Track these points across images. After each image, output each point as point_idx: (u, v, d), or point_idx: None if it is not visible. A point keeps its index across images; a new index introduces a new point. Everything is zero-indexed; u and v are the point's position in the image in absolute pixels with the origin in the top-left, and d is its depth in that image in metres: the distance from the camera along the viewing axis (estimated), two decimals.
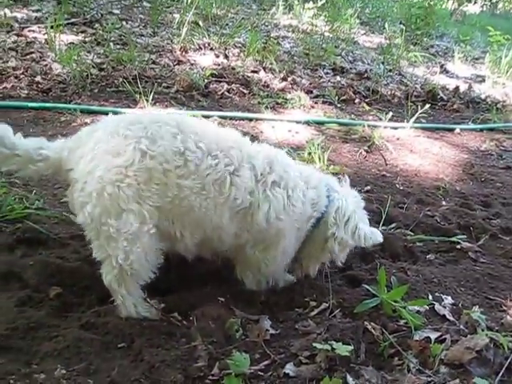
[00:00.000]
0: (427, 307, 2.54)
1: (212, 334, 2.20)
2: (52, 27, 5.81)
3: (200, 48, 6.23)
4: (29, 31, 6.27)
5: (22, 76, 4.92)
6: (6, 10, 6.28)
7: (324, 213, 2.52)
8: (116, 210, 2.10)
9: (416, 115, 4.94)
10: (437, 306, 2.56)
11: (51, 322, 2.21)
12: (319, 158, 3.86)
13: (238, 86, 5.29)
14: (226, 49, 6.26)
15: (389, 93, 6.05)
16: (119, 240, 2.13)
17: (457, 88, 6.57)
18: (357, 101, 5.59)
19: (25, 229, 2.68)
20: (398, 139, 4.69)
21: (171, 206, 2.16)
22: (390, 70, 6.90)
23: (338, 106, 5.36)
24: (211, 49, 6.25)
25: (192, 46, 6.19)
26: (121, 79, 5.01)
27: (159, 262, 2.26)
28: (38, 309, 2.31)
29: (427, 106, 5.39)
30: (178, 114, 2.26)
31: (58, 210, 2.91)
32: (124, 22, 6.85)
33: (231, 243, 2.35)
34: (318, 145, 3.98)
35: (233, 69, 5.66)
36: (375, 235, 2.55)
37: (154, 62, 5.64)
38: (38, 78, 4.92)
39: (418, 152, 4.49)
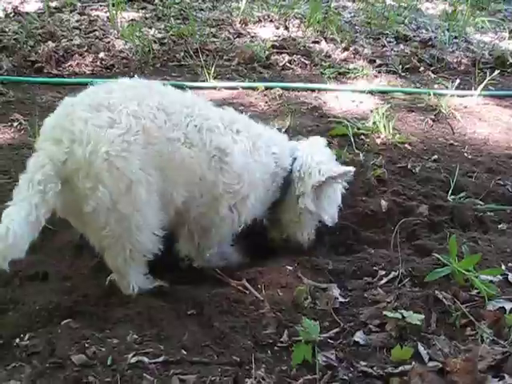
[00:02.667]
0: (500, 277, 2.46)
1: (280, 302, 2.20)
2: (113, 5, 5.88)
3: (260, 20, 6.17)
4: (91, 10, 6.37)
5: (85, 53, 5.00)
6: None
7: (290, 172, 2.57)
8: (126, 184, 2.05)
9: (484, 82, 4.74)
10: (510, 276, 2.48)
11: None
12: (384, 127, 3.78)
13: (299, 57, 5.21)
14: (286, 20, 6.17)
15: (455, 60, 5.83)
16: (131, 216, 2.10)
17: None
18: (421, 69, 5.41)
19: None
20: (465, 107, 4.52)
21: (168, 163, 2.16)
22: (456, 37, 6.64)
23: (403, 75, 5.20)
24: (271, 21, 6.18)
25: (252, 19, 6.14)
26: (182, 53, 5.03)
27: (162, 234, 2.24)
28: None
29: (496, 72, 5.16)
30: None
31: None
32: None
33: (207, 197, 2.31)
34: (383, 114, 3.89)
35: (293, 40, 5.58)
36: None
37: (214, 36, 5.63)
38: (102, 55, 4.99)
39: (487, 120, 4.32)
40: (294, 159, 2.61)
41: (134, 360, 1.88)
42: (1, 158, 3.23)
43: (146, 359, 1.89)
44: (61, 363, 1.86)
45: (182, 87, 4.37)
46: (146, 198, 2.10)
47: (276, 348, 2.02)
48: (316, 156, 2.62)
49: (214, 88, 4.42)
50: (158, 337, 2.01)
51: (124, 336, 1.99)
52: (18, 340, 1.97)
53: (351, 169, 2.61)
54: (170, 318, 2.10)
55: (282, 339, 2.05)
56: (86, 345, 1.92)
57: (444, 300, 2.28)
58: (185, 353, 1.94)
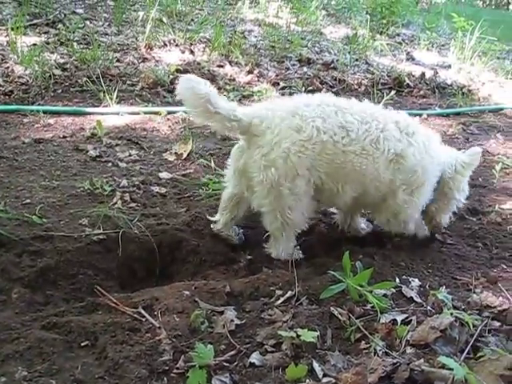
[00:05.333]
0: (394, 290, 2.55)
1: (177, 328, 2.18)
2: (13, 29, 5.72)
3: (165, 45, 6.18)
4: None
5: None
6: None
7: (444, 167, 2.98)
8: (293, 175, 2.63)
9: (382, 102, 4.96)
10: (404, 289, 2.58)
11: (13, 324, 2.17)
12: None
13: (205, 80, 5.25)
14: (191, 44, 6.22)
15: (355, 81, 6.07)
16: (288, 198, 2.66)
17: (423, 74, 6.61)
18: (324, 90, 5.59)
19: None
20: None
21: (337, 169, 2.68)
22: (357, 60, 6.92)
23: None
24: (176, 45, 6.21)
25: (157, 43, 6.14)
26: (84, 79, 4.95)
27: (311, 217, 2.85)
28: (1, 312, 2.28)
29: (393, 92, 5.42)
30: (327, 95, 3.00)
31: (20, 212, 2.87)
32: (88, 22, 6.76)
33: (385, 191, 2.80)
34: None
35: (198, 64, 5.63)
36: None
37: (118, 61, 5.58)
38: (0, 81, 4.84)
39: None
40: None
41: None
42: None
43: None
44: None
45: (83, 113, 4.36)
46: (303, 190, 2.67)
47: (172, 375, 2.00)
48: (451, 151, 3.08)
49: (117, 113, 4.38)
50: (50, 371, 1.94)
51: (13, 373, 1.91)
52: None
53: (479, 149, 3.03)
54: (63, 351, 2.03)
55: (178, 365, 2.02)
56: None
57: (339, 316, 2.34)
58: None
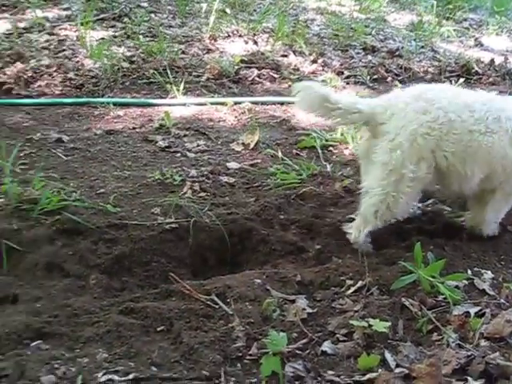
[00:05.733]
0: (466, 282, 2.51)
1: (249, 315, 2.22)
2: (82, 24, 5.89)
3: (229, 35, 6.21)
4: (60, 29, 6.35)
5: (55, 73, 4.98)
6: (38, 11, 6.37)
7: None
8: (417, 157, 2.65)
9: None
10: (476, 281, 2.54)
11: (92, 309, 2.26)
12: (352, 138, 3.84)
13: (268, 70, 5.27)
14: (254, 35, 6.23)
15: (422, 69, 5.95)
16: (407, 182, 2.68)
17: (492, 61, 6.40)
18: (389, 79, 5.51)
19: (63, 220, 2.75)
20: None
21: (464, 148, 2.68)
22: (423, 47, 6.77)
23: (370, 85, 5.29)
24: (240, 36, 6.23)
25: (221, 34, 6.18)
26: (151, 71, 5.04)
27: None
28: (80, 296, 2.38)
29: (461, 80, 5.28)
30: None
31: (95, 201, 2.97)
32: (152, 15, 6.87)
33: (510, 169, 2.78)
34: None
35: (262, 54, 5.64)
36: None
37: (183, 52, 5.65)
38: (71, 75, 4.99)
39: None
40: None
41: (104, 379, 1.89)
42: None
43: (116, 377, 1.90)
44: None
45: (150, 105, 4.46)
46: (424, 174, 2.68)
47: (245, 361, 2.04)
48: None
49: (184, 104, 4.45)
50: (128, 354, 2.02)
51: (94, 355, 2.00)
52: None
53: None
54: (140, 335, 2.11)
55: (251, 352, 2.07)
56: (56, 365, 1.93)
57: (411, 307, 2.33)
58: (155, 369, 1.96)
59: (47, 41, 5.91)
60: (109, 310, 2.25)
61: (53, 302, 2.32)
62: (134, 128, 4.04)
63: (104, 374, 1.91)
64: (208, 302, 2.29)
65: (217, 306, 2.28)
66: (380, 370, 2.00)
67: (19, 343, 2.07)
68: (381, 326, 2.16)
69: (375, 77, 5.47)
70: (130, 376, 1.91)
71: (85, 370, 1.92)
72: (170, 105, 4.43)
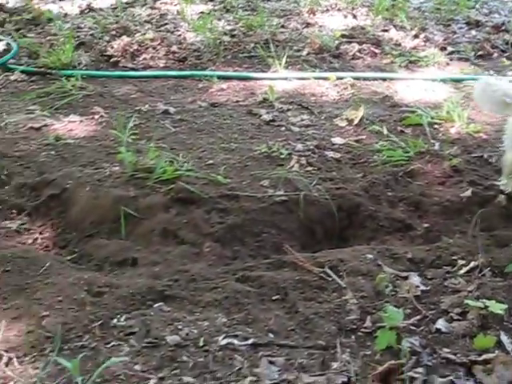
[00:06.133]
0: None
1: (362, 289, 2.25)
2: None
3: (327, 9, 6.15)
4: (161, 3, 6.51)
5: (159, 47, 5.12)
6: None
7: None
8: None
9: None
10: None
11: (209, 275, 2.35)
12: (458, 116, 3.74)
13: (368, 45, 5.18)
14: (353, 8, 6.14)
15: None
16: None
17: None
18: (495, 56, 5.30)
19: (177, 189, 2.85)
20: None
21: None
22: None
23: (475, 61, 5.11)
24: (338, 9, 6.16)
25: (319, 8, 6.14)
26: (252, 44, 5.09)
27: None
28: (195, 263, 2.48)
29: None
30: None
31: (205, 172, 3.06)
32: None
33: None
34: (457, 103, 3.86)
35: (363, 28, 5.55)
36: None
37: (282, 26, 5.66)
38: (174, 48, 5.11)
39: None
40: None
41: (224, 342, 1.98)
42: (86, 149, 3.38)
43: (235, 341, 1.98)
44: (156, 343, 1.97)
45: (252, 78, 4.50)
46: None
47: (359, 334, 2.07)
48: None
49: (285, 79, 4.47)
50: (246, 320, 2.09)
51: (213, 319, 2.09)
52: (115, 320, 2.09)
53: None
54: (256, 303, 2.18)
55: (365, 325, 2.09)
56: (179, 326, 2.03)
57: None
58: (272, 336, 2.02)
59: (149, 15, 6.09)
60: (225, 277, 2.33)
61: (170, 267, 2.43)
62: (237, 101, 4.10)
63: (224, 338, 2.00)
64: (321, 275, 2.33)
65: (330, 279, 2.31)
66: (497, 352, 1.97)
67: (143, 304, 2.19)
68: (497, 307, 2.12)
69: (480, 53, 5.26)
70: (249, 341, 1.98)
71: (205, 333, 2.02)
72: (271, 79, 4.46)
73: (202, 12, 6.11)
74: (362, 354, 1.98)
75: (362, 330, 2.08)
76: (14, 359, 1.95)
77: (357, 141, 3.50)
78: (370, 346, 2.01)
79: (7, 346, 1.99)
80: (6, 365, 1.93)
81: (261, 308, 2.16)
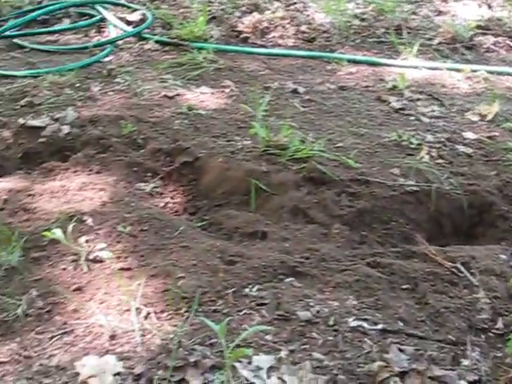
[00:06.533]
0: None
1: (495, 290, 2.20)
2: None
3: None
4: None
5: (288, 26, 5.15)
6: None
7: None
8: None
9: None
10: None
11: (338, 257, 2.38)
12: None
13: (504, 38, 4.98)
14: None
15: None
16: None
17: None
18: None
19: (309, 169, 2.89)
20: None
21: None
22: None
23: None
24: None
25: None
26: (382, 30, 5.02)
27: None
28: (324, 243, 2.51)
29: None
30: None
31: (334, 154, 3.07)
32: None
33: None
34: None
35: (498, 20, 5.33)
36: None
37: (414, 13, 5.52)
38: (303, 28, 5.12)
39: None
40: None
41: (354, 324, 2.00)
42: (218, 121, 3.47)
43: (365, 325, 2.00)
44: (287, 317, 2.03)
45: (381, 64, 4.45)
46: None
47: (490, 334, 2.04)
48: None
49: (415, 67, 4.38)
50: (375, 306, 2.11)
51: (343, 300, 2.12)
52: (247, 290, 2.17)
53: None
54: (386, 290, 2.19)
55: (496, 326, 2.06)
56: (311, 303, 2.07)
57: None
58: (401, 324, 2.03)
59: None
60: (355, 261, 2.35)
61: (300, 245, 2.47)
62: (366, 86, 4.07)
63: (354, 320, 2.02)
64: (452, 270, 2.30)
65: (461, 275, 2.28)
66: None
67: (274, 277, 2.25)
68: None
69: None
70: (379, 326, 2.00)
71: (336, 313, 2.05)
72: (402, 66, 4.38)
73: None
74: (492, 355, 1.95)
75: (493, 330, 2.05)
76: (152, 314, 2.07)
77: (490, 137, 3.39)
78: (500, 348, 1.98)
79: (146, 302, 2.11)
80: (145, 318, 2.05)
81: (391, 295, 2.17)
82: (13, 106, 3.76)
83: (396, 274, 2.26)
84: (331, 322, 2.01)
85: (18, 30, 5.07)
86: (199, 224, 2.76)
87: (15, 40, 4.89)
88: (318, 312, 2.04)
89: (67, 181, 2.93)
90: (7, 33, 4.95)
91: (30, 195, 2.83)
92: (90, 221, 2.59)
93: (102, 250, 2.40)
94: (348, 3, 5.71)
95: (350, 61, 4.47)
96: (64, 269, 2.34)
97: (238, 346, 1.78)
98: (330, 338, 1.96)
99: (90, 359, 1.88)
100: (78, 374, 1.83)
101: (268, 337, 1.96)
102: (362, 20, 5.28)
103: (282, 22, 5.18)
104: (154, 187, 3.03)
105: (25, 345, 2.01)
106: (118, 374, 1.82)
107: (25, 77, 4.13)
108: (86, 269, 2.31)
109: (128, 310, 2.07)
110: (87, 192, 2.82)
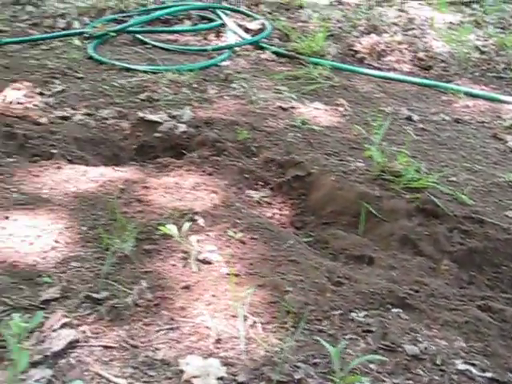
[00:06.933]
0: None
1: None
2: (430, 4, 5.92)
3: None
4: (408, 7, 6.49)
5: (405, 51, 5.12)
6: None
7: None
8: None
9: None
10: None
11: (447, 294, 2.33)
12: None
13: None
14: None
15: None
16: None
17: None
18: None
19: (423, 200, 2.84)
20: None
21: None
22: None
23: None
24: None
25: None
26: (503, 65, 4.90)
27: None
28: (434, 278, 2.46)
29: None
30: None
31: (450, 188, 3.01)
32: (504, 5, 6.62)
33: None
34: None
35: None
36: None
37: None
38: (421, 55, 5.07)
39: None
40: None
41: (461, 367, 1.94)
42: (330, 139, 3.48)
43: (473, 370, 1.94)
44: (393, 348, 1.99)
45: (499, 100, 4.33)
46: None
47: None
48: None
49: None
50: (484, 351, 2.04)
51: (451, 341, 2.06)
52: (354, 314, 2.15)
53: None
54: (497, 337, 2.12)
55: None
56: (418, 338, 2.04)
57: None
58: (511, 376, 1.96)
59: (397, 17, 6.10)
60: (464, 301, 2.29)
61: (408, 276, 2.43)
62: (482, 122, 3.98)
63: (462, 363, 1.96)
64: None
65: None
66: None
67: (382, 305, 2.21)
68: None
69: None
70: (487, 374, 1.94)
71: (443, 352, 2.00)
72: None
73: (450, 22, 5.99)
74: None
75: None
76: (258, 324, 2.08)
77: None
78: None
79: (253, 311, 2.13)
80: (251, 327, 2.07)
81: (501, 343, 2.10)
82: (133, 98, 3.91)
83: (508, 322, 2.18)
84: (438, 362, 1.96)
85: (141, 27, 5.27)
86: (305, 239, 2.77)
87: (138, 36, 5.08)
88: (425, 348, 2.00)
89: (181, 178, 3.01)
90: (131, 28, 5.14)
91: (145, 187, 2.91)
92: (201, 221, 2.64)
93: (211, 252, 2.44)
94: (467, 34, 5.61)
95: (466, 93, 4.39)
96: (173, 265, 2.38)
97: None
98: (436, 377, 1.91)
99: (195, 359, 1.91)
100: (181, 371, 1.86)
101: (372, 365, 1.94)
102: (482, 53, 5.18)
103: (399, 47, 5.16)
104: (263, 196, 3.06)
105: (132, 334, 2.06)
106: (221, 378, 1.85)
107: (145, 72, 4.28)
108: (195, 268, 2.35)
109: (234, 316, 2.09)
110: (199, 192, 2.88)
